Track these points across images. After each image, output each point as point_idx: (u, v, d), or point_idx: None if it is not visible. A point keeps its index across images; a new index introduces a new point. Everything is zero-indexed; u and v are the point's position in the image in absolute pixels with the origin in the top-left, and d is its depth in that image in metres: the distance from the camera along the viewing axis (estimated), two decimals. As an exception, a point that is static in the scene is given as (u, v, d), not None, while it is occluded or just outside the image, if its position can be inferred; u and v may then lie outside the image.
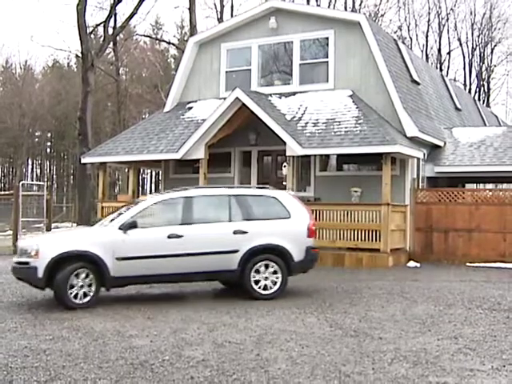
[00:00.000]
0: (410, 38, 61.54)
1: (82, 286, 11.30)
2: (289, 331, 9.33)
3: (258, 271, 12.30)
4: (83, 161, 24.99)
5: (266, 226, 12.64)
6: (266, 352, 8.09)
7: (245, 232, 12.27)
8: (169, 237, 11.88)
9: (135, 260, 11.72)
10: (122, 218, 12.05)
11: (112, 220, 12.42)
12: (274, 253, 12.49)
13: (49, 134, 79.44)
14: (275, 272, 12.41)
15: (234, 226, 12.33)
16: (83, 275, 11.34)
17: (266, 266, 12.38)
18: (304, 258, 12.73)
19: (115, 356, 7.94)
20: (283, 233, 12.64)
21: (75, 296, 11.23)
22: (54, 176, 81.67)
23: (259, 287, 12.28)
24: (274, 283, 12.39)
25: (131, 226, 11.77)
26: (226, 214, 12.55)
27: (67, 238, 12.29)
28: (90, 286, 11.42)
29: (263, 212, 12.78)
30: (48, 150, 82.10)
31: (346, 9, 52.50)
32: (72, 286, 11.21)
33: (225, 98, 20.73)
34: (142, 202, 12.70)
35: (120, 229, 11.75)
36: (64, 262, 11.30)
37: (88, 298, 11.36)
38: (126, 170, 28.14)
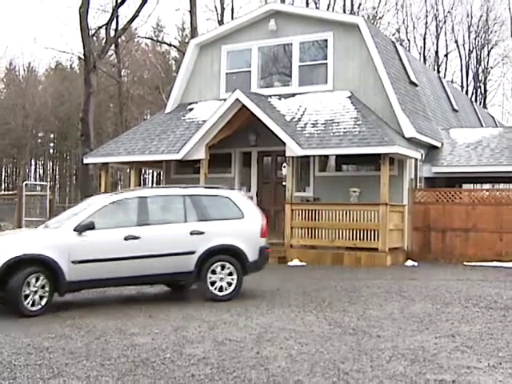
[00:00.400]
0: (408, 40, 61.95)
1: (35, 292, 10.62)
2: (288, 329, 9.41)
3: (213, 272, 12.09)
4: (85, 161, 25.08)
5: (222, 226, 12.42)
6: (266, 350, 8.16)
7: (202, 233, 12.02)
8: (125, 238, 11.45)
9: (92, 263, 11.18)
10: (77, 218, 11.45)
11: (60, 221, 12.01)
12: (230, 253, 12.29)
13: (52, 135, 79.74)
14: (231, 273, 12.23)
15: (191, 226, 12.06)
16: (36, 280, 10.64)
17: (222, 267, 12.18)
18: (258, 259, 12.59)
19: (117, 354, 8.01)
20: (238, 233, 12.47)
21: (29, 302, 10.54)
22: (57, 176, 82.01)
23: (215, 288, 12.09)
24: (230, 284, 12.21)
25: (87, 227, 11.22)
26: (181, 214, 12.23)
27: (20, 240, 11.47)
28: (43, 291, 10.75)
29: (218, 212, 12.54)
30: (51, 150, 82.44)
31: (344, 11, 52.62)
32: (25, 293, 10.51)
33: (225, 100, 20.85)
34: (97, 201, 12.06)
35: (75, 230, 11.17)
36: (17, 267, 10.57)
37: (41, 305, 10.68)
38: (128, 171, 28.22)
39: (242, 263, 12.34)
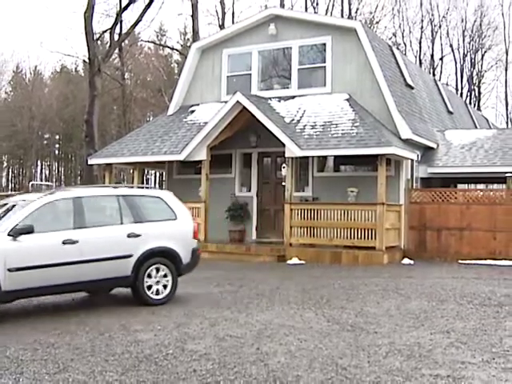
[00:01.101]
0: (404, 44, 62.59)
1: None
2: (288, 326, 9.52)
3: (149, 276, 11.56)
4: (90, 162, 25.23)
5: (157, 228, 11.87)
6: (266, 346, 8.26)
7: (138, 235, 11.43)
8: (64, 242, 10.57)
9: (30, 270, 10.21)
10: (11, 222, 10.37)
11: None
12: (165, 256, 11.82)
13: (57, 137, 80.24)
14: (165, 275, 11.78)
15: (128, 228, 11.42)
16: None
17: (157, 270, 11.67)
18: (190, 260, 12.25)
19: (121, 350, 8.12)
20: (172, 235, 12.02)
21: None
22: (62, 177, 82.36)
23: (151, 292, 11.57)
24: (165, 287, 11.76)
25: (23, 231, 10.23)
26: (117, 215, 11.58)
27: None
28: None
29: (151, 213, 11.96)
30: (56, 151, 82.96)
31: (342, 16, 53.03)
32: None
33: (226, 102, 21.04)
34: (31, 201, 10.90)
35: (10, 235, 10.14)
36: None
37: None
38: (131, 171, 28.58)
39: (177, 265, 11.94)
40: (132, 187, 12.99)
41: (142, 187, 13.14)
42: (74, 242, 10.66)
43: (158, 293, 11.68)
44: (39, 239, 10.49)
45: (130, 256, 11.31)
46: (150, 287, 11.57)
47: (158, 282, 11.69)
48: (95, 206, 11.65)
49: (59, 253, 10.58)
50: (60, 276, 10.58)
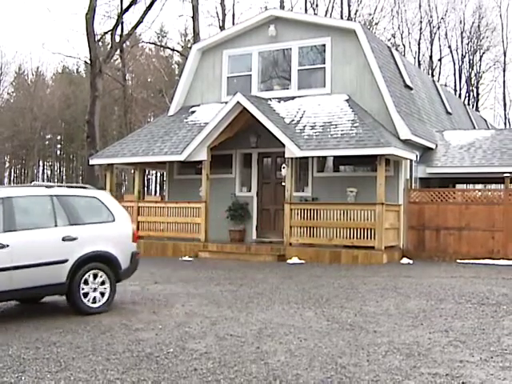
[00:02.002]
0: (403, 45, 63.05)
1: None
2: (287, 325, 9.55)
3: (86, 282, 10.65)
4: (91, 162, 25.23)
5: (94, 230, 10.95)
6: (266, 345, 8.29)
7: (74, 238, 10.50)
8: None
9: None
10: None
11: None
12: (103, 260, 10.94)
13: (59, 137, 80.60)
14: (103, 282, 10.91)
15: (63, 231, 10.47)
16: None
17: (95, 276, 10.78)
18: (130, 265, 11.44)
19: (122, 348, 8.14)
20: (110, 238, 11.15)
21: None
22: (64, 177, 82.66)
23: (88, 300, 10.65)
24: (103, 294, 10.88)
25: None
26: (51, 217, 10.54)
27: None
28: None
29: (88, 215, 11.04)
30: (58, 152, 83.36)
31: (342, 17, 53.28)
32: None
33: (226, 103, 21.13)
34: None
35: None
36: None
37: None
38: (132, 171, 28.68)
39: (115, 271, 11.10)
40: (67, 187, 11.68)
41: (78, 187, 11.90)
42: (3, 247, 9.71)
43: (95, 301, 10.76)
44: None
45: (65, 261, 10.38)
46: (86, 294, 10.65)
47: (95, 289, 10.78)
48: (27, 207, 10.58)
49: None
50: None
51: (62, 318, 10.28)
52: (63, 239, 10.43)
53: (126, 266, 11.36)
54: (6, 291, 9.78)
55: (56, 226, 10.50)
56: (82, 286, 10.58)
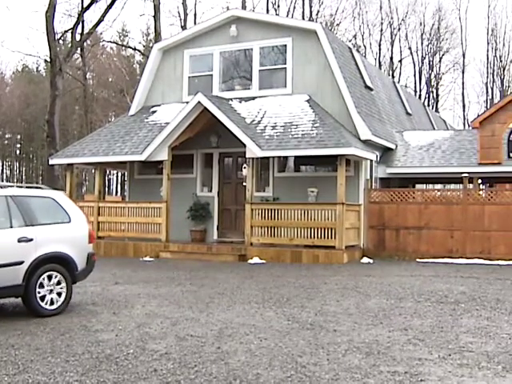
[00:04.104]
0: (364, 46, 63.92)
1: None
2: (248, 325, 9.53)
3: (42, 284, 10.46)
4: (51, 162, 25.01)
5: (50, 231, 10.76)
6: (227, 345, 8.25)
7: (30, 239, 10.26)
8: None
9: None
10: None
11: None
12: (59, 262, 10.78)
13: (18, 136, 79.76)
14: (59, 283, 10.71)
15: (18, 232, 10.22)
16: None
17: (50, 278, 10.57)
18: (86, 266, 11.36)
19: (81, 350, 8.03)
20: (67, 239, 11.00)
21: None
22: (24, 177, 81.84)
23: (45, 302, 10.45)
24: (59, 295, 10.69)
25: None
26: (6, 218, 10.25)
27: None
28: None
29: (44, 215, 10.84)
30: (17, 151, 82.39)
31: (303, 18, 53.73)
32: None
33: (187, 103, 21.05)
34: None
35: None
36: None
37: None
38: (93, 171, 28.51)
39: (72, 272, 10.97)
40: (21, 187, 11.40)
41: (33, 187, 11.67)
42: None
43: (52, 302, 10.56)
44: None
45: (20, 263, 10.14)
46: (43, 297, 10.46)
47: (51, 291, 10.58)
48: None
49: None
50: None
51: (21, 319, 10.16)
52: (19, 240, 10.19)
53: (83, 267, 11.25)
54: None
55: (11, 227, 10.25)
56: (38, 288, 10.40)
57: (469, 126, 65.08)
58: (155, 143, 21.01)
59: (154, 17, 42.10)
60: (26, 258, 10.21)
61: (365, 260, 19.58)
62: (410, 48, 65.29)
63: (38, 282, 10.39)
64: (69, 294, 10.90)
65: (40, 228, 10.58)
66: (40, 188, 11.59)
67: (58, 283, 10.72)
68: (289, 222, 19.48)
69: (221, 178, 22.90)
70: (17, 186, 11.26)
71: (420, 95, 64.19)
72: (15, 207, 10.38)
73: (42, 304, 10.43)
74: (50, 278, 10.59)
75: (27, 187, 11.46)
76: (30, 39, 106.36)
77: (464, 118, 67.25)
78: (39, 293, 10.40)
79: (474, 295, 12.52)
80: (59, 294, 10.73)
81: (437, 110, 62.69)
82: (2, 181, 73.84)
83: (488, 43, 66.43)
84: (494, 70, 67.11)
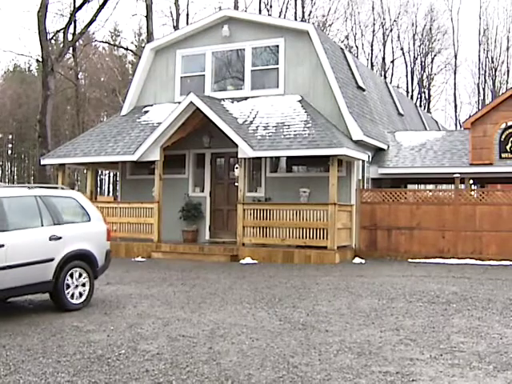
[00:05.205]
0: (356, 46, 63.95)
1: None
2: (240, 325, 9.56)
3: (69, 280, 11.02)
4: (43, 162, 24.91)
5: (75, 229, 11.36)
6: (218, 345, 8.27)
7: (59, 237, 10.81)
8: None
9: None
10: None
11: None
12: (83, 259, 11.37)
13: (10, 136, 79.67)
14: (84, 279, 11.35)
15: (49, 230, 10.73)
16: None
17: (75, 274, 11.16)
18: (105, 263, 11.98)
19: (73, 350, 8.04)
20: (88, 237, 11.58)
21: None
22: (15, 177, 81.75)
23: (71, 297, 11.03)
24: (83, 291, 11.29)
25: None
26: (37, 217, 10.73)
27: None
28: None
29: (68, 215, 11.40)
30: (9, 151, 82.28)
31: (295, 18, 53.72)
32: None
33: (180, 103, 21.00)
34: None
35: None
36: None
37: None
38: (85, 171, 28.46)
39: (93, 268, 11.59)
40: (45, 187, 11.85)
41: (52, 187, 12.17)
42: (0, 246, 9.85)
43: (76, 297, 11.16)
44: None
45: (51, 260, 10.70)
46: (69, 292, 11.04)
47: (76, 286, 11.18)
48: (16, 207, 10.63)
49: None
50: None
51: (12, 320, 10.13)
52: (50, 238, 10.71)
53: (102, 263, 11.88)
54: (4, 290, 9.99)
55: (42, 225, 10.76)
56: (66, 283, 10.94)
57: (460, 126, 65.15)
58: (147, 143, 20.97)
59: (147, 17, 42.08)
60: (55, 255, 10.78)
61: (357, 260, 19.61)
62: (402, 49, 65.60)
63: (66, 277, 10.97)
64: (92, 288, 11.55)
65: (66, 226, 11.15)
66: (61, 188, 12.24)
67: (83, 278, 11.34)
68: (281, 222, 19.48)
69: (213, 179, 22.88)
70: (40, 187, 11.68)
71: (412, 96, 64.39)
72: (44, 207, 10.91)
73: (69, 298, 11.02)
74: (75, 274, 11.19)
75: (48, 187, 11.96)
76: (21, 39, 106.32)
77: (456, 119, 67.51)
78: (67, 288, 10.96)
79: (465, 295, 12.57)
80: (83, 290, 11.32)
81: (429, 111, 62.96)
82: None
83: (480, 44, 66.74)
84: (485, 71, 67.46)
